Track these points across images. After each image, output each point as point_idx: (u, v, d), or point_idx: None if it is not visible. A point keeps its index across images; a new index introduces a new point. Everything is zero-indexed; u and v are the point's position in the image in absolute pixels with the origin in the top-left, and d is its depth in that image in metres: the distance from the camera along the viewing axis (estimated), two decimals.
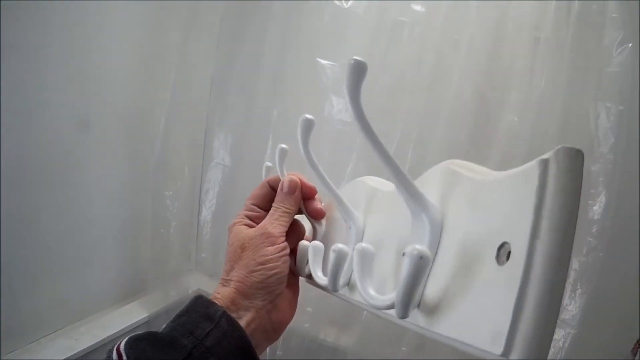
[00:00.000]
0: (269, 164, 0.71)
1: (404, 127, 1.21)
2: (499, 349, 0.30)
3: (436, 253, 0.39)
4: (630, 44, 1.04)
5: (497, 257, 0.33)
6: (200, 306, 0.53)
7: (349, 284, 0.53)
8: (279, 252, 0.59)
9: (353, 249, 0.44)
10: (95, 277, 1.30)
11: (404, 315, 0.37)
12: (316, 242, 0.59)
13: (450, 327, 0.35)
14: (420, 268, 0.34)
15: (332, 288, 0.51)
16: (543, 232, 0.30)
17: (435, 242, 0.39)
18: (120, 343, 0.49)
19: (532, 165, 0.32)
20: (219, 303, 0.55)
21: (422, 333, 0.39)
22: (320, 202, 0.67)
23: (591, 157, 1.04)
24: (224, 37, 1.47)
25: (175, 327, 0.51)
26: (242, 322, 0.54)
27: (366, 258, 0.43)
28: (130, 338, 0.49)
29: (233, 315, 0.54)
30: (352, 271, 0.53)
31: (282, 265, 0.59)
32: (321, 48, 1.30)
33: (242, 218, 0.64)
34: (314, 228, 0.66)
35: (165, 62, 1.33)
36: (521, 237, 0.31)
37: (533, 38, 1.15)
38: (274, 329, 0.59)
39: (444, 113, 1.17)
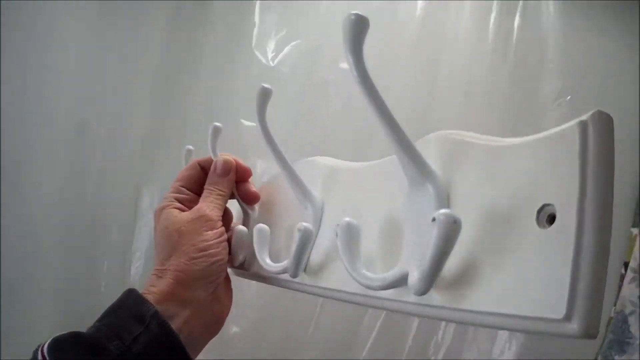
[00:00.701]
0: (191, 147, 0.67)
1: None
2: (559, 313, 0.29)
3: None
4: (569, 97, 1.08)
5: (537, 220, 0.31)
6: (131, 303, 0.49)
7: (306, 269, 0.50)
8: (218, 237, 0.56)
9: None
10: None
11: (426, 290, 0.34)
12: (262, 226, 0.56)
13: (488, 302, 0.33)
14: (453, 234, 0.32)
15: (294, 273, 0.48)
16: (590, 192, 0.29)
17: None
18: (44, 344, 0.45)
19: (571, 127, 0.31)
20: (154, 298, 0.50)
21: (442, 317, 0.36)
22: (253, 185, 0.64)
23: None
24: (153, 94, 1.38)
25: (101, 328, 0.46)
26: (180, 320, 0.50)
27: (352, 234, 0.40)
28: (54, 339, 0.45)
29: (171, 310, 0.50)
30: (308, 255, 0.49)
31: (223, 252, 0.56)
32: (246, 108, 1.26)
33: (171, 201, 0.59)
34: (245, 213, 0.64)
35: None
36: (568, 199, 0.30)
37: (464, 92, 1.18)
38: (216, 322, 0.56)
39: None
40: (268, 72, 1.28)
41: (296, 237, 0.46)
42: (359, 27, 0.35)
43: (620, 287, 1.35)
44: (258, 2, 1.34)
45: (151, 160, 1.39)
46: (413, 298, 0.37)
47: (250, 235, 0.58)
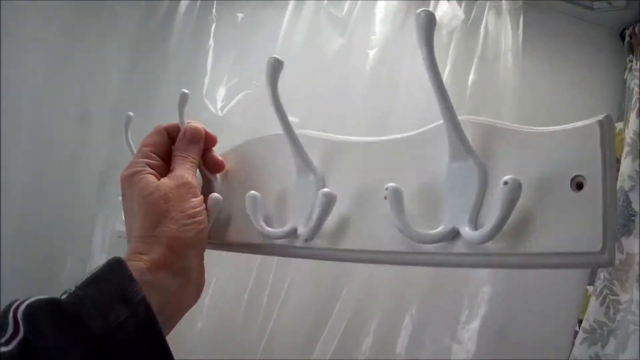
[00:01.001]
0: (131, 113, 0.65)
1: None
2: (597, 247, 0.41)
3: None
4: None
5: (571, 186, 0.43)
6: (118, 279, 0.46)
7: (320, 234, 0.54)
8: (201, 204, 0.56)
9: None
10: None
11: (489, 239, 0.43)
12: (254, 193, 0.58)
13: (539, 245, 0.43)
14: (518, 194, 0.42)
15: (310, 236, 0.52)
16: (609, 167, 0.43)
17: (484, 185, 0.47)
18: (19, 306, 0.42)
19: (593, 123, 0.44)
20: (146, 266, 0.49)
21: (497, 263, 0.46)
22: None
23: None
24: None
25: (83, 301, 0.43)
26: (173, 289, 0.50)
27: (399, 197, 0.46)
28: (29, 305, 0.42)
29: (165, 280, 0.49)
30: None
31: (206, 220, 0.57)
32: None
33: (144, 167, 0.57)
34: (209, 182, 0.64)
35: None
36: (594, 171, 0.43)
37: None
38: (198, 291, 0.56)
39: None
40: (217, 121, 1.31)
41: (319, 201, 0.50)
42: (429, 21, 0.43)
43: (572, 344, 1.49)
44: (211, 50, 1.38)
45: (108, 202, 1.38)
46: (464, 249, 0.46)
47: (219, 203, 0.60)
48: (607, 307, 1.46)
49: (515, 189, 0.42)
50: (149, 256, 0.49)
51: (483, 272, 1.41)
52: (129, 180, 0.55)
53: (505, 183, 0.42)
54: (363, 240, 0.52)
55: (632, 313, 1.35)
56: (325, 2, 1.47)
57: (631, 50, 1.68)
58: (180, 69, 1.41)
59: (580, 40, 1.74)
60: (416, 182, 0.51)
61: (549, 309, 1.52)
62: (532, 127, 0.47)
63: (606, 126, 0.44)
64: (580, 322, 1.53)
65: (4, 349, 0.38)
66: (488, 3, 1.54)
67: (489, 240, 0.44)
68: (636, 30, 1.67)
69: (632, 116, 1.55)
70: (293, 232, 0.55)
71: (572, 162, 0.44)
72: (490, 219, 0.43)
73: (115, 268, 0.46)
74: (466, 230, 0.45)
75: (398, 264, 0.53)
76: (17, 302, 0.42)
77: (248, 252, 0.62)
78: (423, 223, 0.48)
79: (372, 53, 1.44)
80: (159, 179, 0.56)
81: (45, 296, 0.42)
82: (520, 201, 0.42)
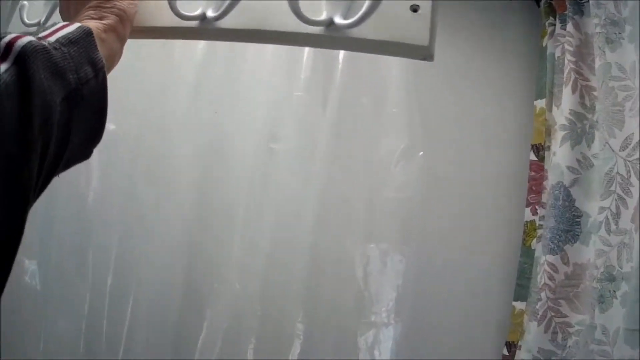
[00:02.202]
0: None
1: None
2: (426, 42, 0.65)
3: None
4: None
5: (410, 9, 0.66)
6: (88, 45, 0.56)
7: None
8: None
9: None
10: None
11: (356, 24, 0.64)
12: None
13: (391, 36, 0.65)
14: (377, 6, 0.64)
15: (221, 16, 0.69)
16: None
17: None
18: (17, 39, 0.48)
19: None
20: (103, 27, 0.62)
21: (357, 44, 0.69)
22: None
23: None
24: None
25: (67, 57, 0.52)
26: (118, 54, 0.66)
27: None
28: (31, 44, 0.48)
29: (112, 42, 0.64)
30: None
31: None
32: None
33: None
34: None
35: None
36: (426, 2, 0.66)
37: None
38: (117, 62, 0.68)
39: None
40: None
41: None
42: None
43: None
44: None
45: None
46: (335, 33, 0.67)
47: None
48: (554, 333, 1.20)
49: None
50: (105, 21, 0.63)
51: (389, 286, 1.29)
52: None
53: None
54: (259, 22, 0.69)
55: (596, 341, 1.06)
56: None
57: (551, 12, 1.44)
58: None
59: (489, 4, 1.57)
60: None
61: (468, 329, 1.40)
62: None
63: None
64: (508, 345, 1.35)
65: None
66: None
67: (357, 25, 0.64)
68: None
69: (566, 92, 1.29)
70: (203, 16, 0.70)
71: None
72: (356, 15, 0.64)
73: (86, 36, 0.57)
74: (339, 19, 0.66)
75: (286, 44, 0.78)
76: (15, 35, 0.48)
77: (163, 37, 0.75)
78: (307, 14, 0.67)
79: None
80: None
81: (36, 41, 0.49)
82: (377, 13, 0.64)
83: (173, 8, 0.69)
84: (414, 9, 0.62)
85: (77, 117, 0.53)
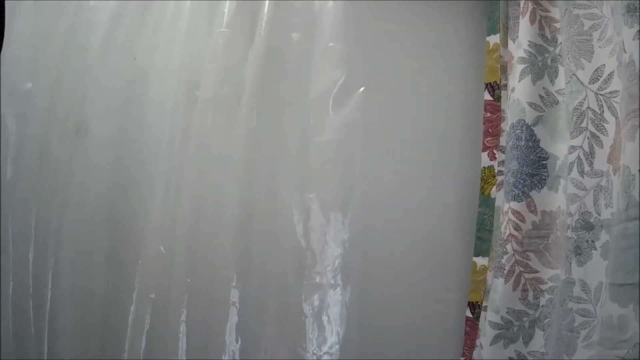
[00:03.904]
0: None
1: None
2: None
3: None
4: None
5: None
6: None
7: None
8: None
9: None
10: None
11: None
12: None
13: None
14: None
15: None
16: None
17: None
18: None
19: None
20: None
21: None
22: None
23: None
24: None
25: None
26: None
27: None
28: None
29: None
30: None
31: None
32: None
33: None
34: None
35: None
36: None
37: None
38: None
39: None
40: None
41: None
42: None
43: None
44: None
45: None
46: None
47: None
48: (524, 291, 1.11)
49: None
50: None
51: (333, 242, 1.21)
52: None
53: None
54: None
55: (575, 299, 0.98)
56: None
57: None
58: None
59: None
60: None
61: (425, 289, 1.36)
62: None
63: None
64: (472, 306, 1.28)
65: None
66: None
67: None
68: None
69: (523, 23, 1.18)
70: None
71: None
72: None
73: None
74: None
75: None
76: None
77: None
78: None
79: None
80: None
81: None
82: None
83: None
84: None
85: None
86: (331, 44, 1.21)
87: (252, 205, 1.19)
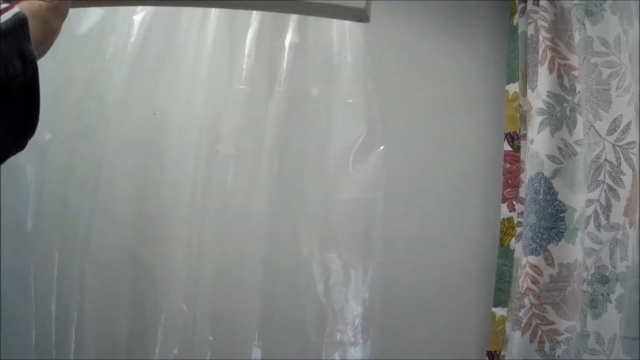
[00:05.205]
0: None
1: None
2: (362, 5, 0.70)
3: None
4: None
5: None
6: (21, 37, 0.56)
7: None
8: None
9: None
10: None
11: None
12: None
13: None
14: None
15: None
16: None
17: None
18: None
19: None
20: (45, 5, 0.61)
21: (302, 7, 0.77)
22: None
23: None
24: None
25: None
26: (55, 27, 0.64)
27: None
28: None
29: (55, 23, 0.63)
30: None
31: None
32: None
33: None
34: None
35: None
36: None
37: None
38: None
39: None
40: None
41: None
42: None
43: None
44: None
45: None
46: None
47: None
48: (541, 342, 1.13)
49: None
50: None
51: (354, 299, 1.23)
52: None
53: None
54: None
55: (589, 350, 0.98)
56: None
57: None
58: None
59: None
60: None
61: (445, 341, 1.35)
62: None
63: None
64: (490, 355, 1.30)
65: None
66: None
67: None
68: None
69: (542, 72, 1.22)
70: None
71: None
72: None
73: (20, 26, 0.56)
74: None
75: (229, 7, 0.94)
76: None
77: (101, 5, 0.89)
78: None
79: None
80: None
81: None
82: None
83: None
84: None
85: (4, 115, 0.54)
86: (350, 100, 1.23)
87: (274, 263, 1.20)
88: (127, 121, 1.20)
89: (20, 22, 0.57)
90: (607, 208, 1.05)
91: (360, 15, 0.71)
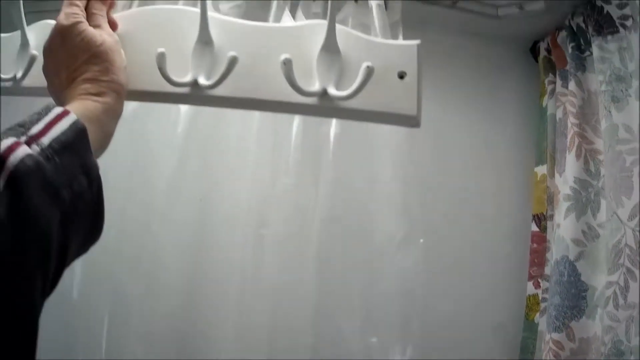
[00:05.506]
0: None
1: None
2: (414, 112, 0.72)
3: None
4: None
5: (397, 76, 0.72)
6: (82, 150, 0.55)
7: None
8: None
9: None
10: None
11: (351, 96, 0.70)
12: (163, 49, 0.70)
13: (379, 105, 0.72)
14: (371, 74, 0.69)
15: (216, 84, 0.72)
16: (420, 69, 0.76)
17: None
18: (11, 153, 0.46)
19: (413, 44, 0.77)
20: (103, 108, 0.62)
21: (351, 114, 0.75)
22: None
23: None
24: None
25: (60, 169, 0.50)
26: (111, 130, 0.64)
27: (291, 64, 0.70)
28: (24, 164, 0.46)
29: (111, 125, 0.64)
30: None
31: None
32: None
33: (84, 19, 0.67)
34: None
35: None
36: (412, 69, 0.72)
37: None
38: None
39: None
40: None
41: (227, 60, 0.70)
42: None
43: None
44: None
45: None
46: (329, 103, 0.72)
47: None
48: None
49: (371, 70, 0.69)
50: (104, 99, 0.63)
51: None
52: (70, 30, 0.65)
53: (367, 67, 0.69)
54: (252, 90, 0.74)
55: None
56: None
57: (551, 67, 1.45)
58: None
59: (479, 59, 1.58)
60: (298, 58, 0.72)
61: None
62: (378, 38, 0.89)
63: (419, 47, 0.73)
64: (537, 217, 1.41)
65: None
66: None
67: (351, 98, 0.70)
68: (557, 40, 1.43)
69: (570, 158, 1.30)
70: (194, 83, 0.73)
71: (399, 62, 0.73)
72: (349, 86, 0.70)
73: (81, 139, 0.54)
74: (333, 90, 0.72)
75: (280, 112, 0.83)
76: (8, 145, 0.47)
77: (153, 101, 0.80)
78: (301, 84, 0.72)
79: None
80: None
81: (29, 151, 0.47)
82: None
83: (164, 74, 0.70)
84: (401, 75, 0.71)
85: (73, 233, 0.52)
86: (391, 186, 1.24)
87: (320, 349, 1.22)
88: (175, 208, 1.22)
89: (79, 134, 0.54)
90: (625, 289, 1.11)
91: (411, 122, 0.72)
